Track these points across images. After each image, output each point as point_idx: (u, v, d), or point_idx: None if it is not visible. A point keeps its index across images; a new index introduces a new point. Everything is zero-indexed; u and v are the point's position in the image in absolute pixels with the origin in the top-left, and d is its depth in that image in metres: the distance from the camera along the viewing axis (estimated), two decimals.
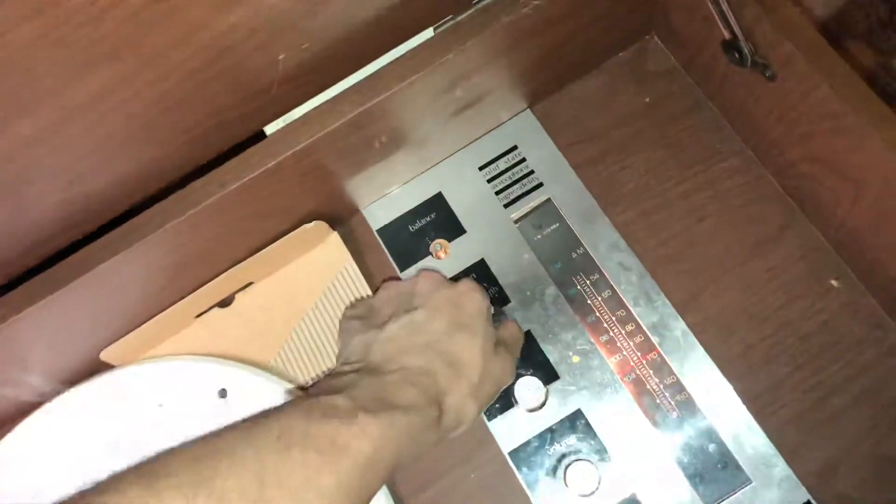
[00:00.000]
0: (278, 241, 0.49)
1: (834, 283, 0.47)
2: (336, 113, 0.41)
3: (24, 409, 0.49)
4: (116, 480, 0.30)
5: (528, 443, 0.47)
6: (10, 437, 0.49)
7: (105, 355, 0.49)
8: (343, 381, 0.39)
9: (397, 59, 0.42)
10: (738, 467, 0.45)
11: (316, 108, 0.42)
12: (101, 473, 0.46)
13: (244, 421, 0.35)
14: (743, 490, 0.45)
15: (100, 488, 0.30)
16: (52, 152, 0.33)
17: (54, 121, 0.31)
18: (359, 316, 0.47)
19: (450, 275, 0.51)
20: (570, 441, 0.47)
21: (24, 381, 0.46)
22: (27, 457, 0.48)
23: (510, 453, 0.47)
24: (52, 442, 0.48)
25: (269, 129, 0.44)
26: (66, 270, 0.41)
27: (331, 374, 0.41)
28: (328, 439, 0.33)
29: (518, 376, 0.47)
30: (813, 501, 0.44)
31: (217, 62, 0.34)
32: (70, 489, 0.46)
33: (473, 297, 0.44)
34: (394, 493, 0.47)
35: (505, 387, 0.45)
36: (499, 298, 0.50)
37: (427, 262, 0.51)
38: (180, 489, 0.29)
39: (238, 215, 0.44)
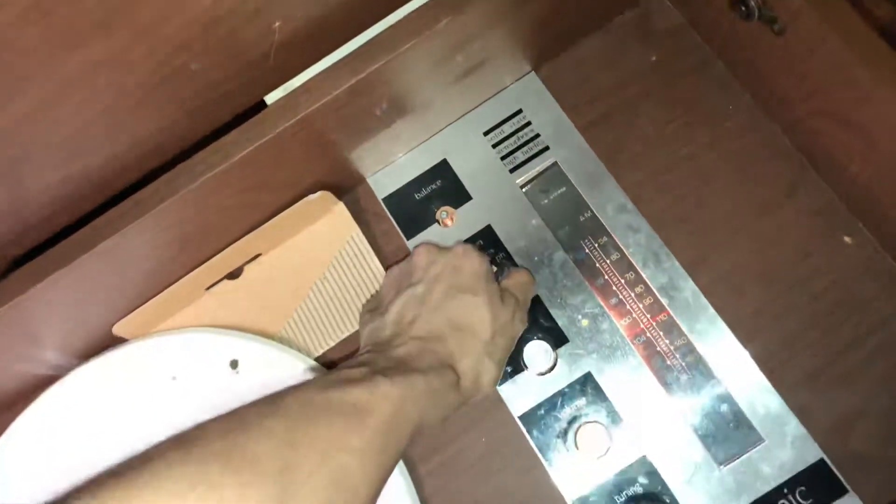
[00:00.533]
0: (284, 212, 0.49)
1: (847, 239, 0.47)
2: (334, 81, 0.41)
3: (40, 384, 0.50)
4: (156, 447, 0.32)
5: (538, 406, 0.47)
6: (27, 412, 0.50)
7: (118, 329, 0.49)
8: (359, 360, 0.40)
9: (395, 24, 0.42)
10: (750, 427, 0.45)
11: (314, 76, 0.41)
12: (117, 447, 0.47)
13: (267, 397, 0.36)
14: (756, 449, 0.45)
15: (143, 454, 0.31)
16: (49, 128, 0.33)
17: (48, 96, 0.31)
18: (370, 309, 0.47)
19: (462, 235, 0.51)
20: (581, 404, 0.47)
21: (39, 357, 0.47)
22: (44, 432, 0.49)
23: (521, 417, 0.47)
24: (68, 416, 0.49)
25: (270, 98, 0.43)
26: (72, 247, 0.41)
27: (347, 363, 0.42)
28: (350, 404, 0.34)
29: (527, 340, 0.47)
30: (826, 459, 0.44)
31: (209, 32, 0.34)
32: (87, 463, 0.47)
33: (470, 258, 0.44)
34: (405, 457, 0.47)
35: (519, 335, 0.45)
36: (505, 263, 0.50)
37: (433, 229, 0.51)
38: (215, 454, 0.31)
39: (242, 187, 0.44)
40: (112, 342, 0.50)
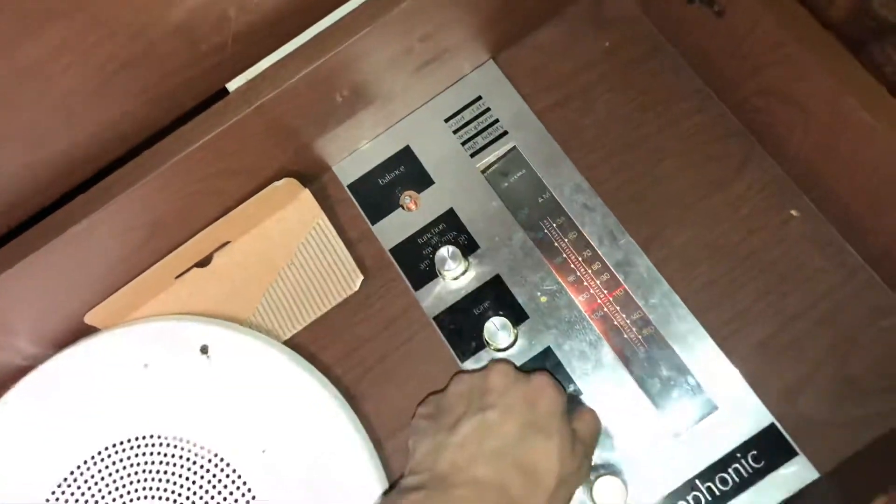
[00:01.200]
0: (251, 199, 0.50)
1: (794, 213, 0.48)
2: (292, 67, 0.42)
3: (14, 375, 0.50)
4: None
5: None
6: (0, 402, 0.50)
7: (89, 318, 0.50)
8: (410, 501, 0.37)
9: (350, 12, 0.43)
10: (704, 395, 0.47)
11: (273, 63, 0.43)
12: (92, 436, 0.48)
13: None
14: (710, 417, 0.46)
15: None
16: (9, 115, 0.35)
17: (7, 82, 0.32)
18: (428, 415, 0.44)
19: (425, 219, 0.52)
20: None
21: (11, 346, 0.48)
22: (19, 422, 0.50)
23: None
24: (42, 406, 0.50)
25: (232, 86, 0.45)
26: (40, 234, 0.42)
27: (398, 489, 0.40)
28: None
29: (487, 318, 0.48)
30: (777, 423, 0.45)
31: (165, 20, 0.35)
32: (62, 452, 0.48)
33: (549, 394, 0.42)
34: (371, 434, 0.48)
35: (579, 486, 0.43)
36: (468, 245, 0.51)
37: (398, 213, 0.52)
38: None
39: (206, 173, 0.45)
40: (85, 331, 0.51)
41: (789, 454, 0.45)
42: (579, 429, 0.44)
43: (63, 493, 0.48)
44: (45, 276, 0.45)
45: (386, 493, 0.45)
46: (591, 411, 0.46)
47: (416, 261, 0.51)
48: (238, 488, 0.47)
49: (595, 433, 0.45)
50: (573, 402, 0.47)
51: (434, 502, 0.37)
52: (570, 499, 0.41)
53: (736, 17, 0.42)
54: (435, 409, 0.44)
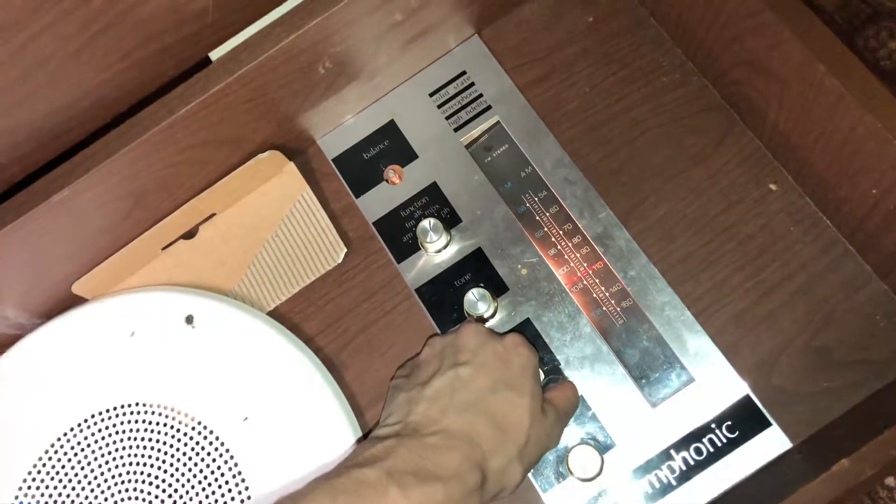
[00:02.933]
0: (236, 171, 0.51)
1: (772, 186, 0.49)
2: (272, 37, 0.43)
3: (3, 344, 0.51)
4: None
5: None
6: None
7: (76, 288, 0.51)
8: (379, 449, 0.37)
9: None
10: (681, 367, 0.47)
11: (254, 34, 0.43)
12: (80, 403, 0.49)
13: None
14: (686, 388, 0.47)
15: None
16: None
17: None
18: (404, 375, 0.45)
19: (408, 192, 0.52)
20: None
21: (1, 314, 0.49)
22: (6, 391, 0.51)
23: None
24: (30, 375, 0.51)
25: (215, 55, 0.45)
26: (23, 201, 0.43)
27: (370, 438, 0.40)
28: None
29: (467, 290, 0.49)
30: (752, 395, 0.46)
31: None
32: (52, 420, 0.49)
33: (521, 353, 0.43)
34: (351, 402, 0.49)
35: (547, 451, 0.44)
36: (450, 218, 0.52)
37: (381, 186, 0.53)
38: None
39: (190, 143, 0.46)
40: (72, 301, 0.52)
41: (763, 425, 0.45)
42: (555, 396, 0.44)
43: (50, 459, 0.49)
44: (30, 244, 0.46)
45: (359, 441, 0.46)
46: (571, 384, 0.47)
47: (399, 233, 0.52)
48: (221, 455, 0.47)
49: (571, 403, 0.46)
50: (554, 374, 0.48)
51: (406, 447, 0.37)
52: (538, 459, 0.42)
53: None
54: (410, 369, 0.45)
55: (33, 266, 0.48)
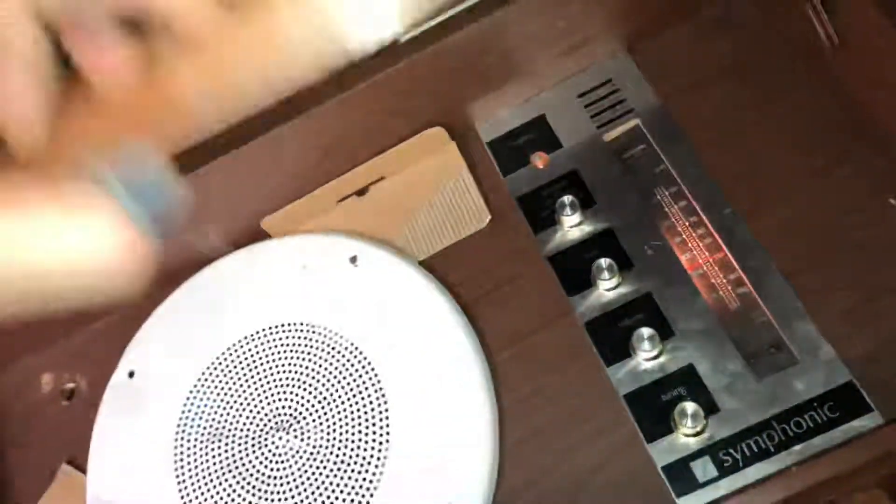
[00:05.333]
0: (406, 142, 0.60)
1: (892, 201, 0.53)
2: (456, 23, 0.52)
3: (193, 265, 0.62)
4: None
5: (602, 316, 0.55)
6: (178, 292, 0.62)
7: (265, 223, 0.61)
8: None
9: None
10: (788, 350, 0.51)
11: (443, 19, 0.53)
12: (255, 318, 0.58)
13: None
14: (791, 368, 0.51)
15: None
16: None
17: None
18: None
19: (551, 175, 0.60)
20: (639, 318, 0.54)
21: (203, 232, 0.59)
22: (192, 310, 0.61)
23: (586, 324, 0.55)
24: (218, 291, 0.61)
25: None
26: (242, 134, 0.54)
27: None
28: None
29: (594, 259, 0.55)
30: (854, 381, 0.49)
31: None
32: (229, 329, 0.59)
33: None
34: (484, 344, 0.56)
35: None
36: (586, 201, 0.58)
37: (527, 169, 0.61)
38: None
39: (374, 108, 0.55)
40: (259, 235, 0.62)
41: (864, 409, 0.48)
42: None
43: (226, 359, 0.58)
44: (237, 176, 0.56)
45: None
46: None
47: (538, 209, 0.59)
48: (367, 372, 0.55)
49: None
50: (664, 337, 0.53)
51: None
52: None
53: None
54: None
55: (235, 196, 0.59)
